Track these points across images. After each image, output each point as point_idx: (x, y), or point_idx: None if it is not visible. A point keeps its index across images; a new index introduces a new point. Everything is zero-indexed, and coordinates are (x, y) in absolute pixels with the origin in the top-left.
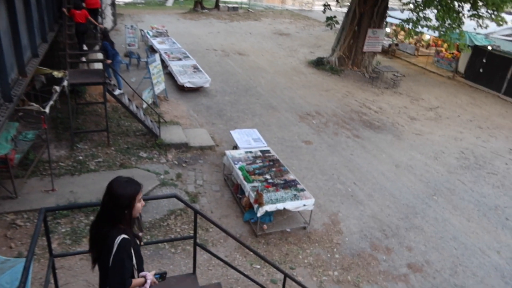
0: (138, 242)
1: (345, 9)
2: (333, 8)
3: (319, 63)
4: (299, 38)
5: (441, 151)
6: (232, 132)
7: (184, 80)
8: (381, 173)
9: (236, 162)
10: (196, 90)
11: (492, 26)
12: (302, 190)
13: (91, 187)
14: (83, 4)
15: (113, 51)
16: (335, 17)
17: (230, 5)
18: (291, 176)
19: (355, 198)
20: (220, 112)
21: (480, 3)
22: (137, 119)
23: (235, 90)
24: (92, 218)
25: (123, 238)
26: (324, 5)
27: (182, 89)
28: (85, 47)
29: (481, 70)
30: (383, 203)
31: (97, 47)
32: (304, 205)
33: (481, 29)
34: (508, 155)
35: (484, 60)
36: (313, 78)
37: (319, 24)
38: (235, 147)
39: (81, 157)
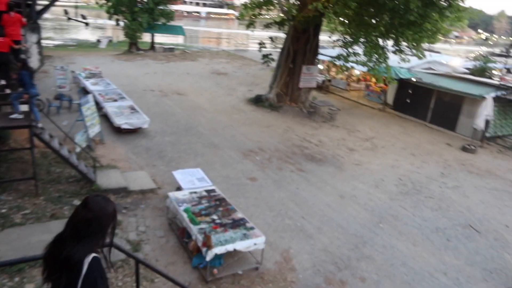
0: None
1: (279, 48)
2: (268, 46)
3: (258, 101)
4: (236, 77)
5: (380, 179)
6: (174, 173)
7: (121, 121)
8: (327, 205)
9: (180, 204)
10: (134, 132)
11: (414, 61)
12: (252, 228)
13: (16, 243)
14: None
15: (31, 83)
16: (270, 54)
17: (166, 46)
18: (239, 215)
19: (304, 233)
20: (161, 153)
21: (401, 39)
22: (70, 164)
23: (175, 130)
24: (17, 279)
25: (94, 257)
26: (259, 43)
27: (119, 131)
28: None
29: (408, 101)
30: (332, 235)
31: (20, 89)
32: (255, 243)
33: (404, 63)
34: (440, 179)
35: (410, 92)
36: (253, 115)
37: (255, 63)
38: (179, 188)
39: (4, 210)
